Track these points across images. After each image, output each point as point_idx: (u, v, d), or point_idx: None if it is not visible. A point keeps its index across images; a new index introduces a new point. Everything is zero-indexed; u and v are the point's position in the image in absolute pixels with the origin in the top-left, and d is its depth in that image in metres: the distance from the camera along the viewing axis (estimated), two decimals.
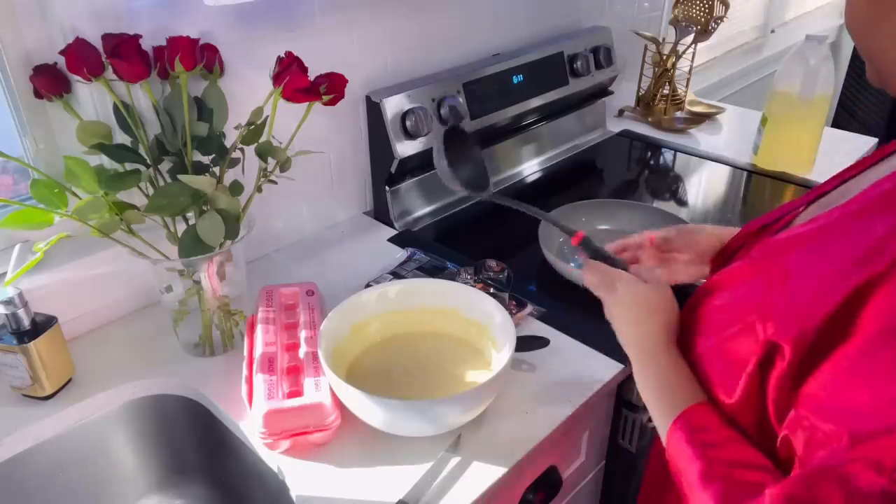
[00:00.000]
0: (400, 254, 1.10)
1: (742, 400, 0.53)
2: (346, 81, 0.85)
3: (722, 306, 0.58)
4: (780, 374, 0.48)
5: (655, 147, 1.57)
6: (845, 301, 0.45)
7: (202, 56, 0.81)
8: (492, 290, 0.91)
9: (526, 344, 0.88)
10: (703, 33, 1.58)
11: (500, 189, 1.36)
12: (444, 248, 1.14)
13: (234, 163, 0.85)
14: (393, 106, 1.12)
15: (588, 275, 0.70)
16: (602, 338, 0.91)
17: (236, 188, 0.83)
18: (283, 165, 0.84)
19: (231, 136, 0.85)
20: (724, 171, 1.45)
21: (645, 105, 1.69)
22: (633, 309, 0.65)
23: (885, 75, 0.51)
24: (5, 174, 0.91)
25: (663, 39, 1.65)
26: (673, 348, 0.62)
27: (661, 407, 0.59)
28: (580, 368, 0.86)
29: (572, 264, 1.06)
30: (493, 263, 0.95)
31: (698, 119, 1.65)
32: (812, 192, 0.65)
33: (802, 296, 0.48)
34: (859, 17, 0.50)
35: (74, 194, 0.77)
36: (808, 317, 0.46)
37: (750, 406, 0.53)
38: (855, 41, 0.52)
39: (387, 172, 1.17)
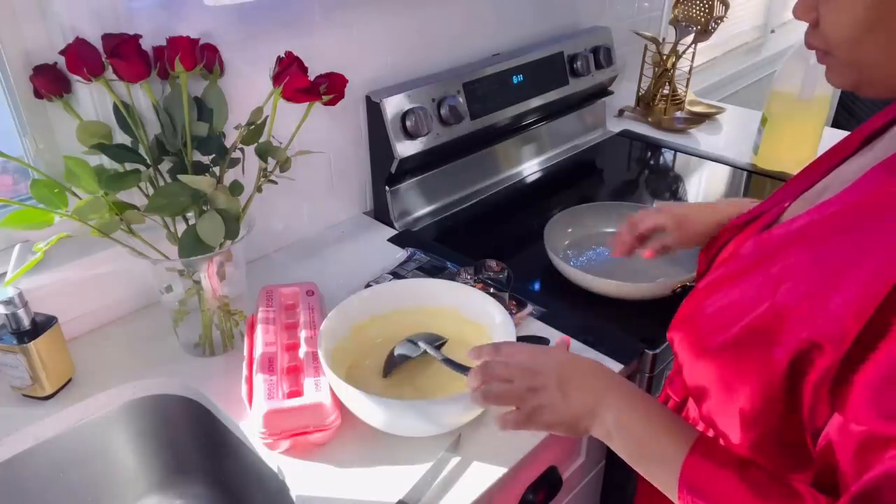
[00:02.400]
0: (400, 254, 1.10)
1: (765, 402, 0.51)
2: (346, 81, 0.85)
3: (721, 309, 0.57)
4: (819, 375, 0.47)
5: (655, 147, 1.57)
6: (886, 298, 0.44)
7: (202, 56, 0.81)
8: (492, 290, 0.91)
9: None
10: (703, 33, 1.58)
11: (500, 189, 1.36)
12: (444, 248, 1.14)
13: (234, 163, 0.85)
14: (393, 106, 1.12)
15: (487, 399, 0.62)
16: (602, 338, 0.91)
17: (236, 188, 0.83)
18: (283, 165, 0.84)
19: (231, 136, 0.85)
20: (724, 171, 1.45)
21: (645, 105, 1.69)
22: (553, 383, 0.60)
23: (874, 80, 0.51)
24: (5, 174, 0.91)
25: (663, 39, 1.65)
26: (618, 397, 0.59)
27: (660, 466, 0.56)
28: None
29: (571, 262, 1.06)
30: (493, 263, 0.95)
31: (698, 119, 1.65)
32: (792, 185, 0.65)
33: (838, 294, 0.47)
34: (854, 26, 0.49)
35: (74, 194, 0.77)
36: (848, 316, 0.45)
37: (773, 410, 0.51)
38: (841, 49, 0.51)
39: (387, 172, 1.17)
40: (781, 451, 0.54)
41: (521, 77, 1.32)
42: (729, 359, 0.55)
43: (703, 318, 0.59)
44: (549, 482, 0.86)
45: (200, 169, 0.83)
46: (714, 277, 0.60)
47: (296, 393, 0.75)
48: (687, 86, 1.68)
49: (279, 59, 0.82)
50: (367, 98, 1.14)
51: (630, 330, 0.93)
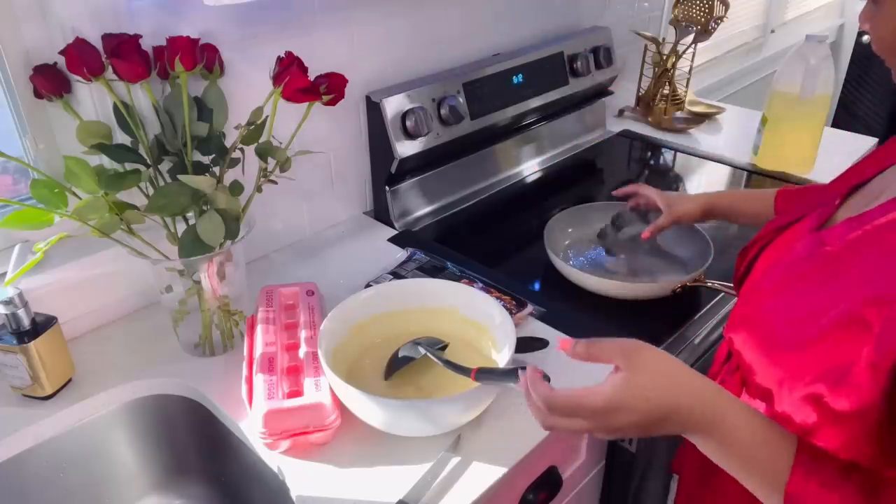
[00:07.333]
0: (400, 254, 1.10)
1: (869, 396, 0.49)
2: (346, 81, 0.85)
3: (797, 307, 0.55)
4: None
5: (655, 147, 1.57)
6: None
7: (202, 56, 0.81)
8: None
9: (525, 345, 0.88)
10: (703, 33, 1.58)
11: (501, 189, 1.36)
12: (444, 248, 1.14)
13: (234, 163, 0.85)
14: (393, 106, 1.12)
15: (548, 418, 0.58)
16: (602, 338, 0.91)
17: (236, 188, 0.83)
18: (283, 165, 0.84)
19: (231, 136, 0.85)
20: (724, 171, 1.45)
21: (645, 105, 1.69)
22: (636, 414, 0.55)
23: None
24: (5, 174, 0.91)
25: (663, 39, 1.65)
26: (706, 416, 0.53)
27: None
28: (580, 369, 0.86)
29: (571, 262, 1.06)
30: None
31: (698, 119, 1.65)
32: (837, 184, 0.65)
33: None
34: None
35: (74, 194, 0.77)
36: None
37: (874, 406, 0.49)
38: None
39: (387, 172, 1.17)
40: (876, 443, 0.51)
41: (521, 77, 1.32)
42: (821, 361, 0.52)
43: (772, 317, 0.58)
44: (549, 482, 0.86)
45: (200, 169, 0.83)
46: (778, 277, 0.60)
47: (296, 393, 0.75)
48: (687, 86, 1.68)
49: (279, 59, 0.82)
50: (367, 98, 1.14)
51: (630, 330, 0.92)
